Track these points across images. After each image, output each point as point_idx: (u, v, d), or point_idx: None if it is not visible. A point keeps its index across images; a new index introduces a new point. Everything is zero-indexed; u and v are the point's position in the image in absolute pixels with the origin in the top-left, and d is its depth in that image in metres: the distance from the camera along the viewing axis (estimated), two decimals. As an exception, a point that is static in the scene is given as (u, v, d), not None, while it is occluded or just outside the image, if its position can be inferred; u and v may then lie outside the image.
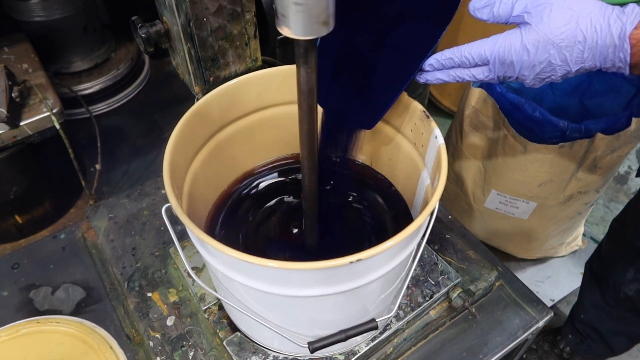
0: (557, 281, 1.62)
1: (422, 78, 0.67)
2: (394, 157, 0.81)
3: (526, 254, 1.60)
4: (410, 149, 0.76)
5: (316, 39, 0.50)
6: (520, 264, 1.65)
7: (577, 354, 1.39)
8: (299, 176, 0.87)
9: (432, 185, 0.69)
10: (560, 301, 1.58)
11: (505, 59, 0.59)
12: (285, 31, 0.49)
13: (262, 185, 0.87)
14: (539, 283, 1.61)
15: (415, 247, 0.67)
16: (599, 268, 1.21)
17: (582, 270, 1.32)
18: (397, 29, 0.68)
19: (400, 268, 0.65)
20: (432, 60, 0.65)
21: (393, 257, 0.61)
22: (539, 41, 0.57)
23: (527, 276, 1.62)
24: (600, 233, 1.73)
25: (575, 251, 1.65)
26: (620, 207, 1.78)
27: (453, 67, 0.64)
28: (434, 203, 0.58)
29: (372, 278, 0.60)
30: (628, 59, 0.55)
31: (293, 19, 0.47)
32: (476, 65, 0.62)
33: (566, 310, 1.51)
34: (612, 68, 0.57)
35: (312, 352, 0.67)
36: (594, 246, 1.28)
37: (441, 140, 0.66)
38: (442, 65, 0.64)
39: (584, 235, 1.66)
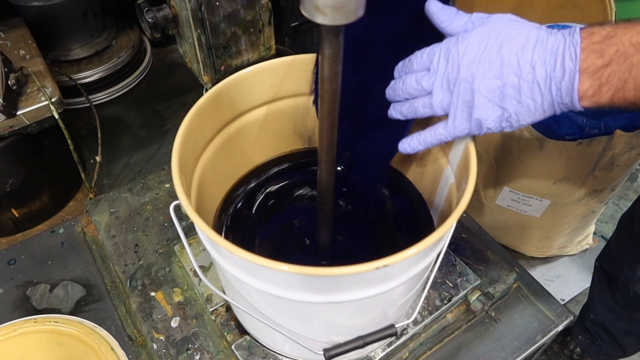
0: (567, 280, 1.59)
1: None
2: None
3: (536, 252, 1.56)
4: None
5: (343, 25, 0.46)
6: (529, 262, 1.61)
7: (587, 354, 1.36)
8: (313, 171, 0.84)
9: (458, 186, 0.65)
10: (570, 301, 1.55)
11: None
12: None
13: (273, 181, 0.83)
14: (549, 282, 1.58)
15: (439, 251, 0.63)
16: (608, 266, 1.19)
17: (592, 269, 1.29)
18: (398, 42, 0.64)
19: (422, 273, 0.62)
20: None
21: (416, 263, 0.57)
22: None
23: (537, 275, 1.58)
24: (610, 231, 1.69)
25: (585, 250, 1.62)
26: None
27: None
28: (463, 207, 0.54)
29: (393, 285, 0.56)
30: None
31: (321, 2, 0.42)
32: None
33: (576, 310, 1.48)
34: None
35: (327, 359, 0.63)
36: (604, 244, 1.25)
37: (469, 137, 0.62)
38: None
39: (594, 233, 1.63)
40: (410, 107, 0.59)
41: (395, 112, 0.62)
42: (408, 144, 0.62)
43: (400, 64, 0.60)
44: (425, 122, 0.66)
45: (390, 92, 0.62)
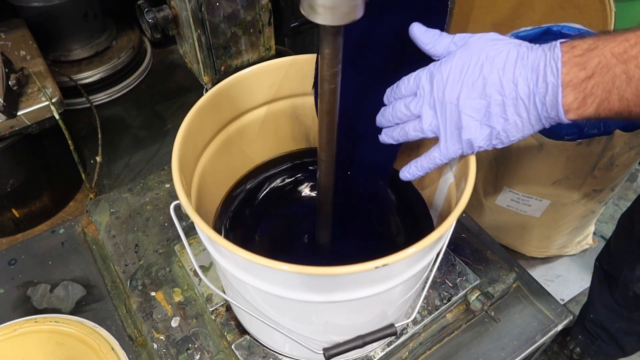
0: (566, 280, 1.59)
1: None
2: (412, 152, 0.77)
3: (536, 252, 1.56)
4: (432, 144, 0.72)
5: (342, 26, 0.47)
6: (529, 262, 1.61)
7: (587, 354, 1.36)
8: (312, 171, 0.84)
9: (457, 186, 0.65)
10: (569, 301, 1.55)
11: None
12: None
13: (272, 181, 0.83)
14: (549, 282, 1.58)
15: (438, 251, 0.64)
16: (608, 266, 1.19)
17: (592, 269, 1.30)
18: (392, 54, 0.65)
19: (422, 273, 0.62)
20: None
21: (416, 263, 0.57)
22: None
23: (536, 275, 1.59)
24: (610, 231, 1.69)
25: (585, 250, 1.62)
26: (630, 205, 1.75)
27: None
28: (462, 206, 0.54)
29: (393, 284, 0.56)
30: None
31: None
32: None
33: (576, 310, 1.48)
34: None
35: (327, 358, 0.63)
36: (604, 244, 1.25)
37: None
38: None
39: (594, 233, 1.63)
40: (401, 131, 0.60)
41: (387, 137, 0.64)
42: (408, 172, 0.64)
43: (389, 90, 0.62)
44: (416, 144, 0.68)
45: (380, 118, 0.64)
